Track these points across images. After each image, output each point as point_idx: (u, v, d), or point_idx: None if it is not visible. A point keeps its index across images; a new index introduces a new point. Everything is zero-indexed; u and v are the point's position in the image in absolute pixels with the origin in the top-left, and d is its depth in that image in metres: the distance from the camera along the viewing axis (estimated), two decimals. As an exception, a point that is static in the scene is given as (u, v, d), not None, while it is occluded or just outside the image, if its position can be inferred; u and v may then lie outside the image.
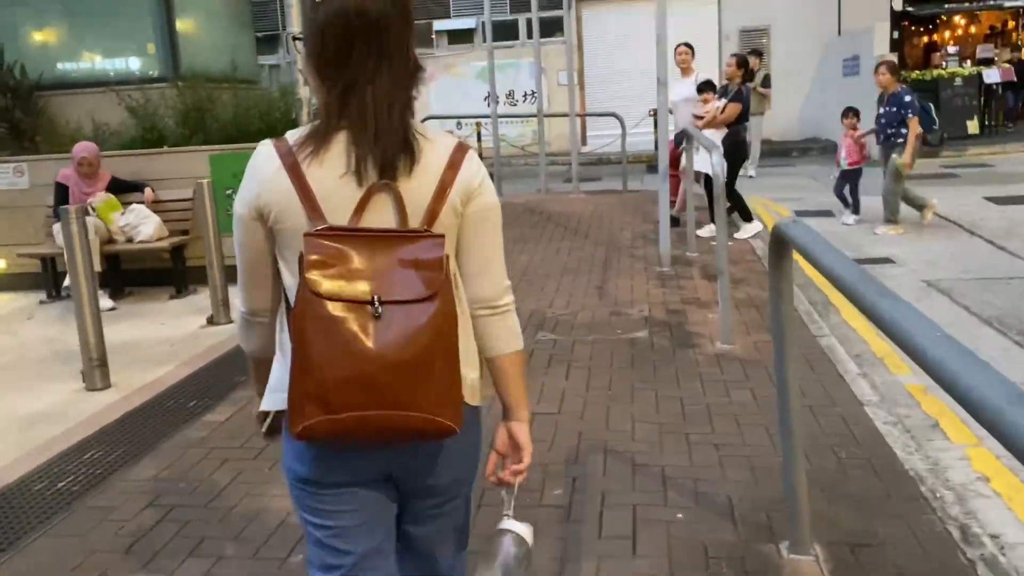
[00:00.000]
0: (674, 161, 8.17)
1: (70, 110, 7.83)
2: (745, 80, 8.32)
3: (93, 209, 6.62)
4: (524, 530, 1.73)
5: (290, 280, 1.51)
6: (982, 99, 14.80)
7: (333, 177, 1.46)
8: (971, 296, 5.88)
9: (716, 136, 7.59)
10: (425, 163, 1.50)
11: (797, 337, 3.22)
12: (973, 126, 14.55)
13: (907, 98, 8.05)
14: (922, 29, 18.41)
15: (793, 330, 2.57)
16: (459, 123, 15.80)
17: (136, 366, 4.99)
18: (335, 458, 1.56)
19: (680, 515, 3.01)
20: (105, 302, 6.45)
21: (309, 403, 1.40)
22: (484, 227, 1.58)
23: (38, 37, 8.34)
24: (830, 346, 4.81)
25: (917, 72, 15.17)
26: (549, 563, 2.75)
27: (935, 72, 15.09)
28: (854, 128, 8.80)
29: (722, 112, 7.90)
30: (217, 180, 6.18)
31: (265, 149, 1.52)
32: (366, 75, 1.47)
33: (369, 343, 1.39)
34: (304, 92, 7.18)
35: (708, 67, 8.76)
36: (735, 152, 7.75)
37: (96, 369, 4.64)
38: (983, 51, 16.55)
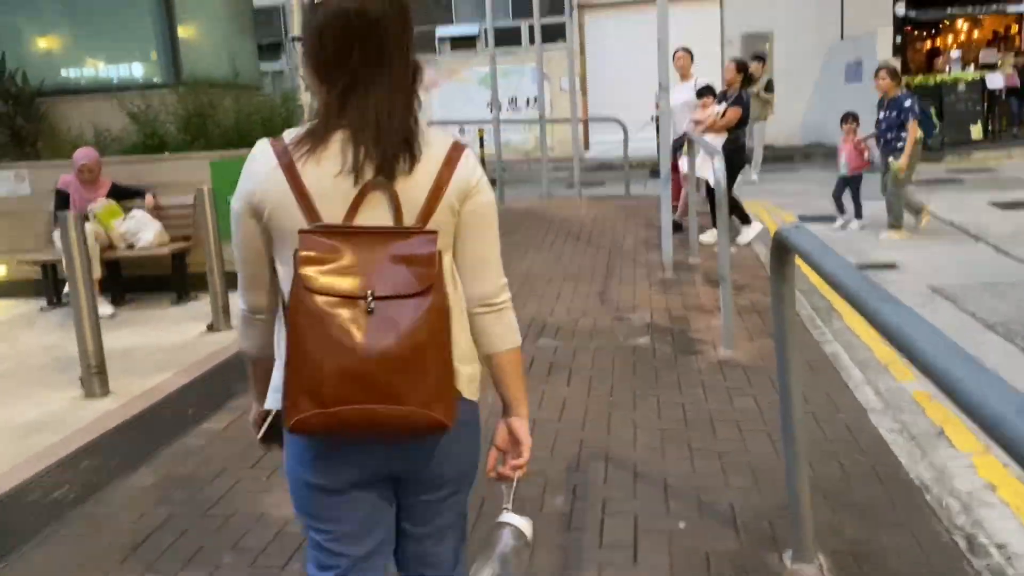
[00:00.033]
0: (675, 166, 8.15)
1: (71, 116, 7.83)
2: (745, 85, 8.31)
3: (94, 215, 6.61)
4: (523, 524, 1.74)
5: (286, 278, 1.52)
6: (985, 104, 14.77)
7: (329, 175, 1.48)
8: (976, 302, 5.84)
9: (716, 141, 7.57)
10: (422, 162, 1.52)
11: (800, 343, 3.19)
12: (977, 131, 14.51)
13: (907, 103, 8.02)
14: (925, 34, 18.41)
15: (796, 336, 2.54)
16: (462, 128, 15.79)
17: (135, 373, 4.97)
18: (335, 458, 1.57)
19: (682, 524, 2.97)
20: (105, 308, 6.44)
21: (303, 397, 1.43)
22: (481, 225, 1.59)
23: (40, 43, 8.35)
24: (834, 352, 4.77)
25: (920, 77, 15.15)
26: (550, 572, 2.72)
27: (938, 77, 15.06)
28: (853, 133, 8.78)
29: (722, 117, 7.89)
30: (218, 186, 6.16)
31: (261, 147, 1.54)
32: (365, 76, 1.48)
33: (362, 338, 1.41)
34: (306, 98, 7.17)
35: (710, 72, 8.74)
36: (734, 157, 7.73)
37: (95, 376, 4.62)
38: (986, 56, 16.52)
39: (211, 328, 5.89)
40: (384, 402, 1.43)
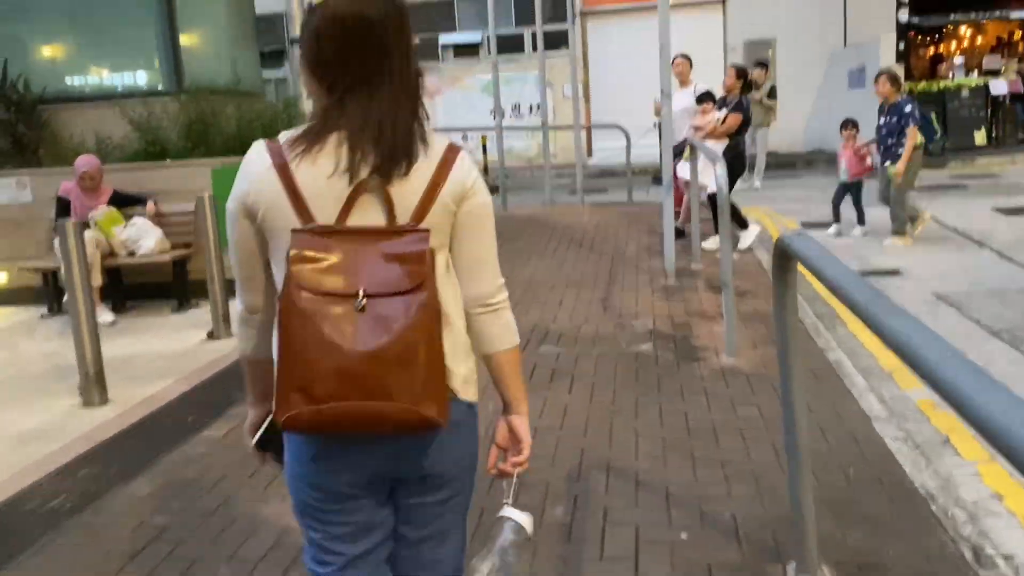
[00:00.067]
0: (673, 172, 8.14)
1: (73, 123, 7.82)
2: (744, 91, 8.30)
3: (95, 223, 6.60)
4: (524, 518, 1.76)
5: (280, 278, 1.53)
6: (989, 110, 14.74)
7: (322, 176, 1.49)
8: (981, 309, 5.80)
9: (717, 147, 7.55)
10: (417, 164, 1.53)
11: (803, 351, 3.15)
12: (980, 137, 14.48)
13: (907, 108, 7.98)
14: (928, 40, 18.38)
15: (799, 344, 2.51)
16: (465, 135, 15.80)
17: (135, 381, 4.94)
18: (334, 459, 1.58)
19: (684, 535, 2.94)
20: (106, 316, 6.43)
21: (294, 394, 1.45)
22: (477, 227, 1.60)
23: (42, 50, 8.34)
24: (837, 360, 4.73)
25: (924, 83, 15.12)
26: (549, 584, 2.68)
27: (942, 83, 15.03)
28: (853, 140, 8.75)
29: (722, 123, 7.87)
30: (219, 193, 6.15)
31: (257, 148, 1.55)
32: (363, 79, 1.49)
33: (352, 335, 1.43)
34: (308, 105, 7.16)
35: (713, 79, 8.73)
36: (734, 163, 7.71)
37: (93, 385, 4.59)
38: (990, 62, 16.49)
39: (211, 336, 5.87)
40: (374, 399, 1.44)
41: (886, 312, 1.61)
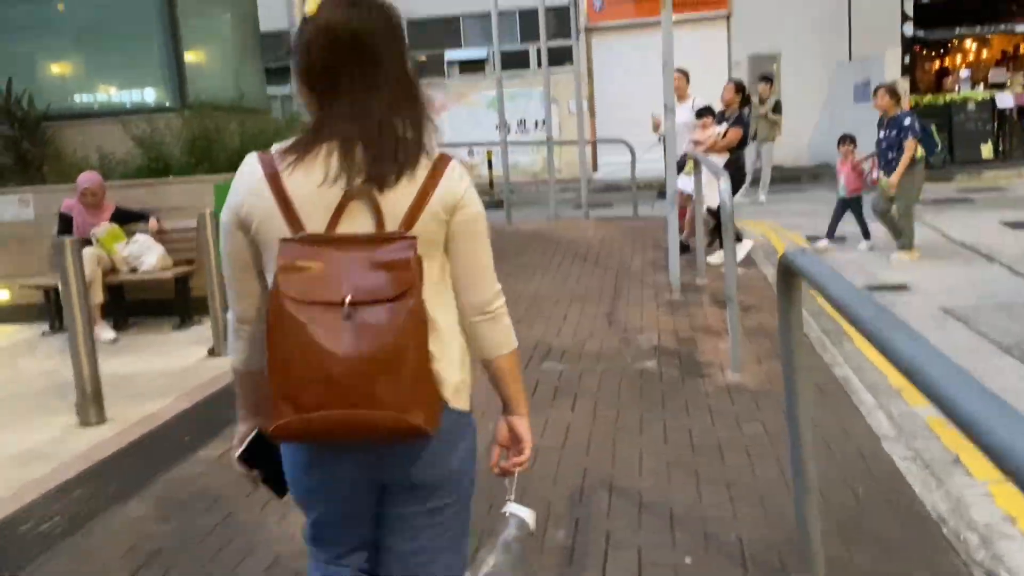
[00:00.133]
0: None
1: (77, 140, 7.82)
2: (743, 105, 8.28)
3: (97, 239, 6.58)
4: (526, 514, 1.78)
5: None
6: (995, 123, 14.68)
7: (313, 184, 1.49)
8: (989, 323, 5.72)
9: (718, 162, 7.51)
10: (407, 173, 1.52)
11: (809, 367, 3.09)
12: (987, 150, 14.42)
13: (906, 121, 7.92)
14: (933, 53, 18.35)
15: (804, 361, 2.45)
16: (471, 151, 15.81)
17: (134, 399, 4.90)
18: (327, 467, 1.60)
19: (688, 559, 2.87)
20: (108, 333, 6.40)
21: (283, 403, 1.46)
22: (471, 236, 1.60)
23: (46, 67, 8.36)
24: (844, 376, 4.66)
25: (930, 96, 15.08)
26: (549, 609, 2.62)
27: (948, 96, 14.99)
28: (851, 155, 8.70)
29: (723, 137, 7.84)
30: (221, 210, 6.11)
31: (250, 160, 1.56)
32: (354, 89, 1.50)
33: (338, 343, 1.43)
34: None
35: (718, 94, 8.70)
36: (733, 177, 7.66)
37: (91, 403, 4.54)
38: (995, 75, 16.45)
39: (212, 353, 5.83)
40: (361, 406, 1.44)
41: (891, 329, 1.56)
